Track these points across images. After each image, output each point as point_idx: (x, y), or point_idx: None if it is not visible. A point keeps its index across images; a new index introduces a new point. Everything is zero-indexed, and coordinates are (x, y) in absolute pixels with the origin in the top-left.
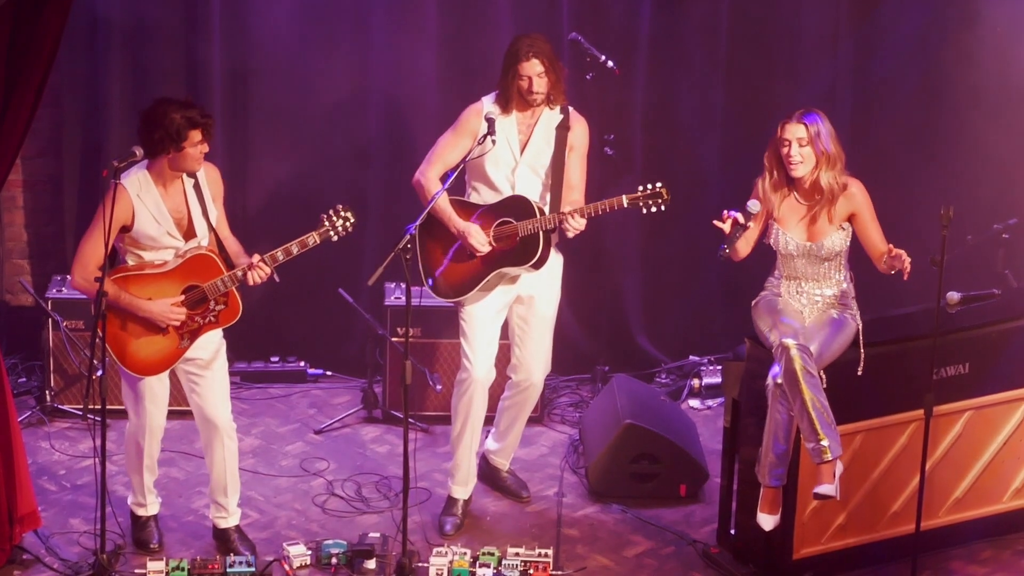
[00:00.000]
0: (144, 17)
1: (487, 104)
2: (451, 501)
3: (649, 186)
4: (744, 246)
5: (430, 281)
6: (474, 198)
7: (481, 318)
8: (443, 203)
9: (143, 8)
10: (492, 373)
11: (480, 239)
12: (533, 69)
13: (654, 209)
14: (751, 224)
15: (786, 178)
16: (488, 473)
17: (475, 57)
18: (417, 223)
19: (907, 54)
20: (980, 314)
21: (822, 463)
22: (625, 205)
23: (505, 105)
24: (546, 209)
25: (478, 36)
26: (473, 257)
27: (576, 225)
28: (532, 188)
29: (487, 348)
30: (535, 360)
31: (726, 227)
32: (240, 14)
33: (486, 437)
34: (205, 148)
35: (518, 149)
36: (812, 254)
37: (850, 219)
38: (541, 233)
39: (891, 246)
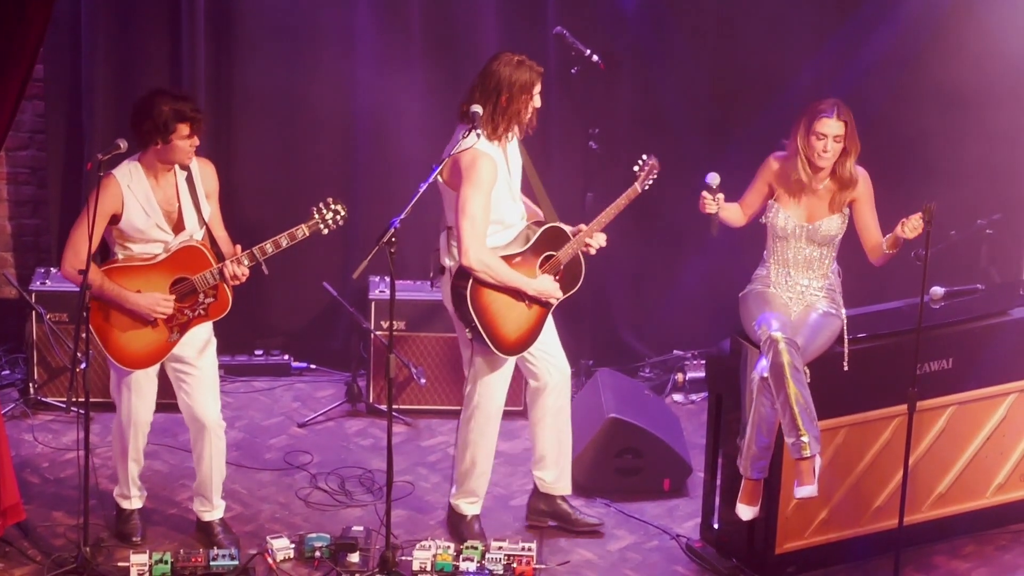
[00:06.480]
0: (128, 8)
1: (482, 144)
2: (473, 519)
3: (640, 162)
4: (735, 220)
5: (498, 348)
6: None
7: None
8: (506, 268)
9: None
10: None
11: (556, 289)
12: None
13: (650, 182)
14: (720, 195)
15: (811, 165)
16: (553, 511)
17: (461, 50)
18: (401, 216)
19: (891, 49)
20: (964, 309)
21: (801, 459)
22: (639, 192)
23: (499, 135)
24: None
25: (463, 29)
26: (532, 306)
27: (600, 242)
28: (521, 212)
29: (508, 382)
30: (560, 350)
31: (709, 209)
32: (225, 5)
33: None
34: (195, 142)
35: (514, 184)
36: (808, 236)
37: (850, 205)
38: (581, 255)
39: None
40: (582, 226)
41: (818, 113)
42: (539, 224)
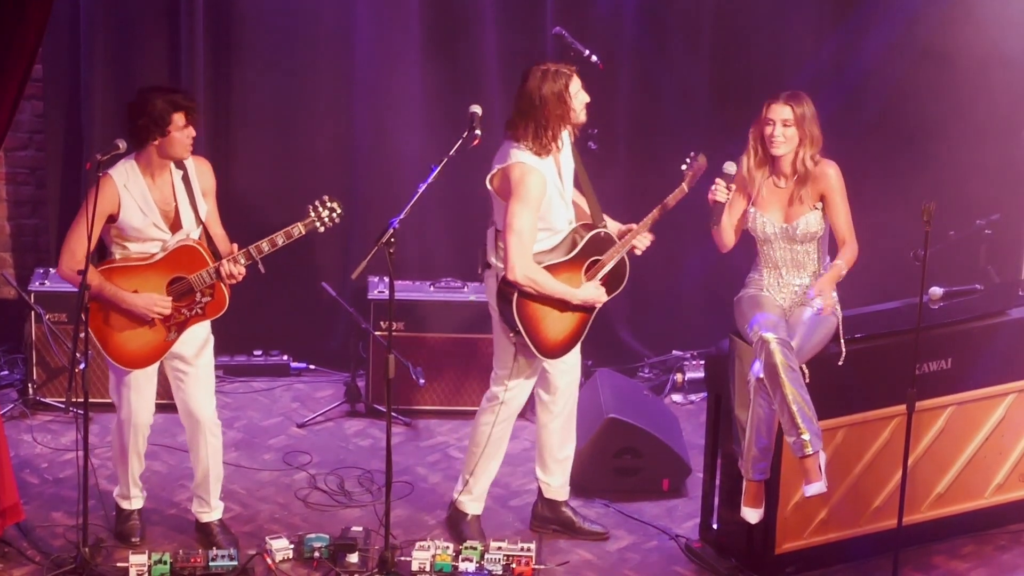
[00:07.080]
0: (127, 9)
1: (530, 159)
2: (474, 519)
3: (688, 160)
4: (728, 228)
5: (542, 353)
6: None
7: None
8: (552, 281)
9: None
10: None
11: (602, 295)
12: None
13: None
14: (733, 186)
15: (768, 157)
16: (557, 517)
17: (460, 50)
18: (400, 216)
19: (890, 48)
20: (962, 309)
21: (804, 457)
22: (687, 191)
23: (547, 149)
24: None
25: (462, 29)
26: (576, 312)
27: (645, 243)
28: (570, 217)
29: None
30: (576, 351)
31: (719, 196)
32: (224, 5)
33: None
34: (192, 132)
35: (566, 190)
36: (788, 236)
37: (821, 200)
38: (625, 256)
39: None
40: (632, 225)
41: (769, 100)
42: (587, 228)
